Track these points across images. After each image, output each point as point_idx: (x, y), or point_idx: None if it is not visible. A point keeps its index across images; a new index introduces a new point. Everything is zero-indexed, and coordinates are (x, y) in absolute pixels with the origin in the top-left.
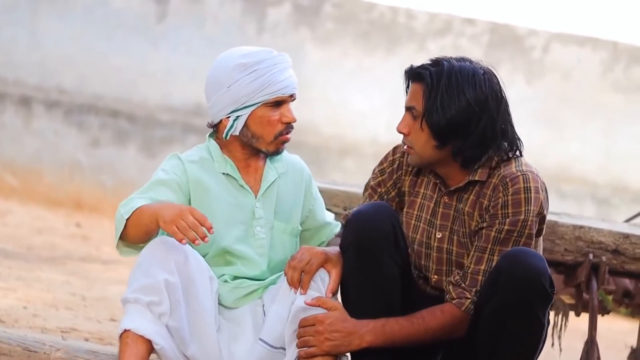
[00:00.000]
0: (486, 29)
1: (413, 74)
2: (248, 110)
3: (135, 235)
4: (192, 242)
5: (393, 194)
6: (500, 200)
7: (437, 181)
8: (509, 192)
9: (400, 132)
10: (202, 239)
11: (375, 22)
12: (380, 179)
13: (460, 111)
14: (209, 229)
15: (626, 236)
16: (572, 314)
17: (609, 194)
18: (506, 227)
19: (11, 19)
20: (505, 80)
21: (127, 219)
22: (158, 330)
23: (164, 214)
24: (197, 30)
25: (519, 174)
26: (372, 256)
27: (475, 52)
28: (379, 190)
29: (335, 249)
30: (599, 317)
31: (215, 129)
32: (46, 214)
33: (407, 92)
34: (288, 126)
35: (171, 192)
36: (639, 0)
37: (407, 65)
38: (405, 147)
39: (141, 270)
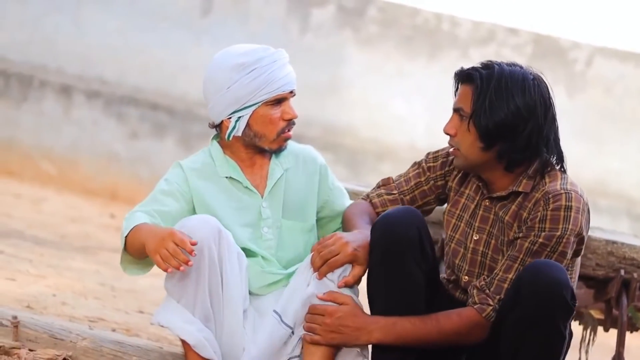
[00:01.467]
0: (529, 39)
1: (463, 76)
2: (249, 110)
3: (134, 252)
4: (176, 269)
5: (440, 183)
6: (539, 214)
7: (480, 184)
8: (549, 208)
9: (447, 134)
10: (186, 263)
11: (418, 27)
12: (432, 164)
13: (509, 115)
14: (190, 252)
15: None
16: (600, 329)
17: None
18: (540, 240)
19: (56, 8)
20: None
21: (126, 237)
22: (214, 346)
23: (149, 243)
24: (240, 26)
25: (562, 191)
26: (397, 261)
27: (518, 63)
28: (428, 173)
29: (367, 238)
30: (628, 333)
31: (218, 129)
32: (81, 203)
33: (455, 94)
34: (290, 123)
35: (175, 201)
36: None
37: (451, 71)
38: (451, 149)
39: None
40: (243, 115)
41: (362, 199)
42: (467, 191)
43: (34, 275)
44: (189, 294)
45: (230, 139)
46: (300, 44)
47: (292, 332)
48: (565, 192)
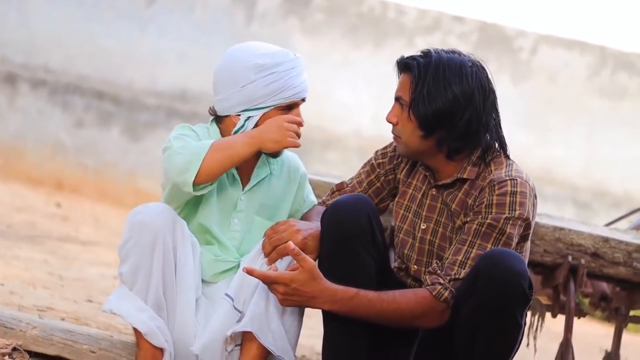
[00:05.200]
0: (475, 27)
1: (402, 65)
2: (260, 112)
3: (213, 166)
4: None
5: (390, 177)
6: (485, 200)
7: (427, 173)
8: (494, 193)
9: (389, 122)
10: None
11: (364, 16)
12: (381, 160)
13: (446, 103)
14: (300, 124)
15: (606, 240)
16: (548, 315)
17: (589, 198)
18: (488, 221)
19: None
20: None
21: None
22: (165, 335)
23: (267, 137)
24: (186, 15)
25: (507, 178)
26: (348, 248)
27: (463, 51)
28: (377, 170)
29: (319, 228)
30: (575, 319)
31: (220, 118)
32: (27, 192)
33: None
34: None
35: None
36: (628, 6)
37: (396, 59)
38: (394, 136)
39: (132, 268)
40: (253, 116)
41: (319, 204)
42: (414, 182)
43: None
44: (142, 281)
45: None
46: (246, 32)
47: (241, 317)
48: (510, 179)
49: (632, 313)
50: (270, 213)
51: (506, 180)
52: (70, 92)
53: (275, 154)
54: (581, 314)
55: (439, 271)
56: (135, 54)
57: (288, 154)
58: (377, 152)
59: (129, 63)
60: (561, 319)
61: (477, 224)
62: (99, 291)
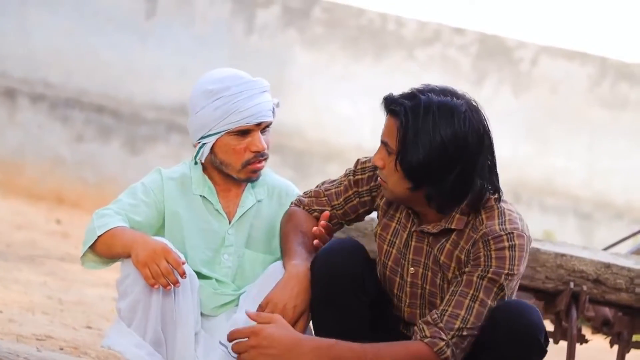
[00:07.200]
0: (475, 39)
1: (388, 108)
2: (212, 139)
3: (103, 252)
4: (163, 287)
5: (366, 199)
6: (481, 254)
7: (411, 211)
8: (491, 249)
9: (375, 165)
10: (174, 284)
11: (364, 28)
12: (360, 176)
13: (436, 153)
14: (182, 274)
15: (607, 266)
16: (550, 341)
17: (591, 209)
18: (489, 276)
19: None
20: (492, 92)
21: (99, 236)
22: None
23: (138, 252)
24: (185, 28)
25: (502, 233)
26: (337, 299)
27: (464, 62)
28: (355, 188)
29: (306, 272)
30: (577, 345)
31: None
32: (27, 208)
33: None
34: (258, 154)
35: (147, 208)
36: (628, 17)
37: (397, 71)
38: (379, 179)
39: (130, 308)
40: (207, 143)
41: (295, 204)
42: (397, 215)
43: None
44: (141, 317)
45: (197, 163)
46: (246, 45)
47: None
48: (506, 234)
49: (634, 338)
50: (263, 244)
51: (501, 236)
52: (70, 107)
53: (246, 180)
54: (583, 340)
55: (440, 324)
56: (135, 67)
57: (281, 180)
58: (357, 163)
59: (129, 76)
60: (563, 345)
61: (477, 277)
62: (98, 315)
